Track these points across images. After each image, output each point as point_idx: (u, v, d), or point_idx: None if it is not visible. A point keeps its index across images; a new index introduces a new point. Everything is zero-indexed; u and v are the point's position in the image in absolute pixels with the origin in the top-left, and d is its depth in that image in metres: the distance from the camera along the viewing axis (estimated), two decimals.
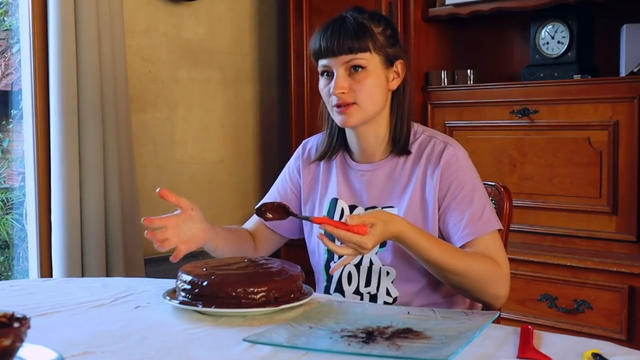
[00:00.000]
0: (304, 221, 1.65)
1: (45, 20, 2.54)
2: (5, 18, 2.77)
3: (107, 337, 1.15)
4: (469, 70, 2.77)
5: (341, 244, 1.31)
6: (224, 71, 3.26)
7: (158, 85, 3.01)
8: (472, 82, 2.76)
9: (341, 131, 1.59)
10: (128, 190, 2.70)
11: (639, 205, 2.28)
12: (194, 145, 3.15)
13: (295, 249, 1.88)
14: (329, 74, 1.50)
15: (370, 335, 1.13)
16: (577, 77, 2.47)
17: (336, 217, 1.56)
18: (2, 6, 2.73)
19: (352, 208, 1.56)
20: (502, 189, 1.63)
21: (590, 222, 2.39)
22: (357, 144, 1.57)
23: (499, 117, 2.57)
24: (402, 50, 1.54)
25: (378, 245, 1.48)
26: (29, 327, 0.94)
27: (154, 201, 2.98)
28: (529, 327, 1.14)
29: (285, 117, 3.39)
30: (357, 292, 1.53)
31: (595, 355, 1.00)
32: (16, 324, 0.95)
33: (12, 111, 2.76)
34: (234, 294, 1.25)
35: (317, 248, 1.61)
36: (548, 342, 1.10)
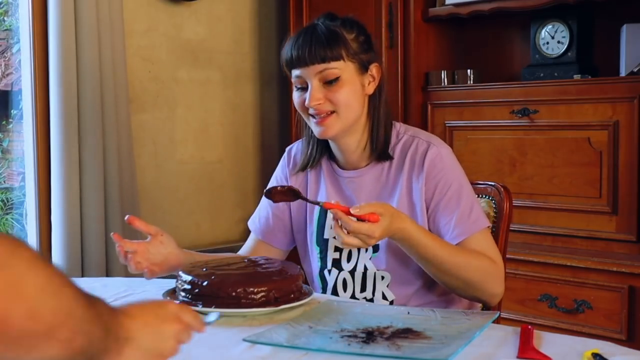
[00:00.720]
0: (295, 229, 1.63)
1: (45, 20, 2.54)
2: (5, 18, 2.77)
3: None
4: (469, 70, 2.77)
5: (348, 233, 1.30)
6: (223, 71, 3.26)
7: (158, 85, 3.00)
8: (472, 82, 2.76)
9: (321, 139, 1.55)
10: (128, 190, 2.70)
11: (639, 205, 2.28)
12: (194, 145, 3.15)
13: (295, 250, 1.87)
14: (304, 85, 1.47)
15: (370, 335, 1.13)
16: (577, 77, 2.47)
17: (327, 225, 1.55)
18: (2, 6, 2.73)
19: None
20: (502, 189, 1.63)
21: (590, 222, 2.39)
22: (339, 151, 1.55)
23: (499, 117, 2.57)
24: (375, 54, 1.52)
25: (372, 250, 1.48)
26: None
27: (154, 201, 2.99)
28: (529, 327, 1.14)
29: (285, 117, 3.39)
30: (352, 297, 1.52)
31: (595, 355, 1.00)
32: None
33: (12, 111, 2.76)
34: (234, 294, 1.25)
35: (310, 255, 1.59)
36: (548, 342, 1.10)
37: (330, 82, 1.44)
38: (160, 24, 3.00)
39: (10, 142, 2.79)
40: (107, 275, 2.60)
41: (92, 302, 0.72)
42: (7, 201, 2.77)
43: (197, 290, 1.28)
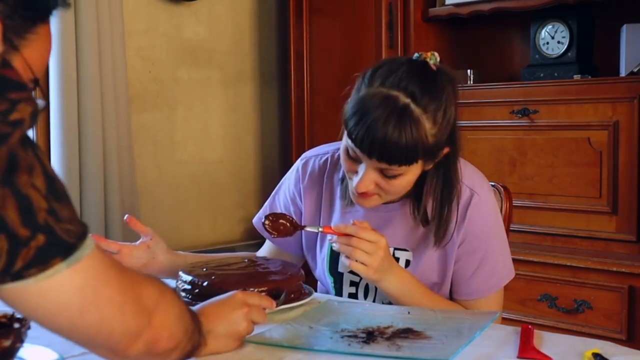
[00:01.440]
0: (304, 248, 1.56)
1: None
2: None
3: None
4: (469, 70, 2.77)
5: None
6: (224, 71, 3.26)
7: (158, 85, 3.00)
8: (472, 82, 2.76)
9: None
10: (128, 190, 2.70)
11: (639, 205, 2.28)
12: (194, 145, 3.15)
13: None
14: (357, 159, 1.28)
15: (370, 335, 1.13)
16: (577, 77, 2.47)
17: (341, 258, 1.43)
18: None
19: None
20: (502, 189, 1.63)
21: (590, 222, 2.39)
22: None
23: (499, 117, 2.57)
24: (453, 133, 1.29)
25: None
26: (29, 328, 0.94)
27: (154, 201, 2.99)
28: (530, 327, 1.14)
29: (285, 117, 3.38)
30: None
31: (595, 355, 1.00)
32: (16, 325, 0.95)
33: None
34: None
35: (323, 278, 1.53)
36: (548, 342, 1.10)
37: (389, 177, 1.27)
38: (160, 24, 3.00)
39: None
40: None
41: (192, 314, 0.95)
42: None
43: (197, 291, 1.28)
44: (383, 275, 1.29)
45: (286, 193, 1.56)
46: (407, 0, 2.77)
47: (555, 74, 2.54)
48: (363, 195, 1.31)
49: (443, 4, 2.75)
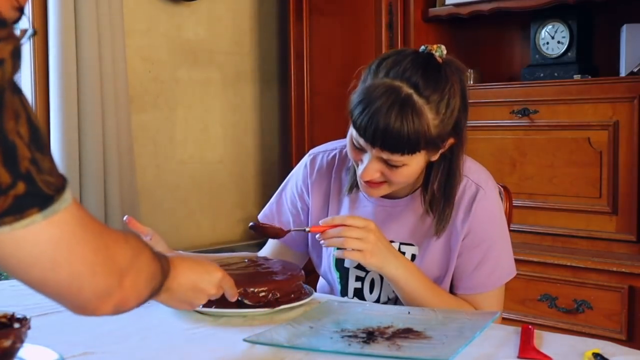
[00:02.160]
0: (310, 245, 1.56)
1: (45, 20, 2.54)
2: None
3: (107, 337, 1.14)
4: (469, 70, 2.77)
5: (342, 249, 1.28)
6: (224, 71, 3.26)
7: (158, 85, 3.00)
8: (472, 82, 2.76)
9: None
10: (128, 190, 2.70)
11: (639, 205, 2.28)
12: (194, 145, 3.15)
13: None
14: (362, 148, 1.30)
15: (370, 335, 1.13)
16: (577, 77, 2.47)
17: None
18: None
19: None
20: (502, 189, 1.62)
21: (590, 222, 2.39)
22: None
23: (499, 117, 2.57)
24: (459, 124, 1.30)
25: None
26: (29, 328, 0.94)
27: (154, 201, 2.99)
28: (530, 327, 1.14)
29: (285, 117, 3.38)
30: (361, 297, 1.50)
31: (596, 355, 1.00)
32: (16, 325, 0.95)
33: None
34: None
35: (328, 275, 1.52)
36: (549, 342, 1.10)
37: (394, 167, 1.28)
38: (160, 24, 3.00)
39: None
40: None
41: (164, 268, 0.95)
42: None
43: None
44: (382, 259, 1.30)
45: (294, 189, 1.56)
46: (407, 0, 2.77)
47: (555, 74, 2.54)
48: (370, 184, 1.32)
49: (443, 4, 2.75)
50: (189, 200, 3.13)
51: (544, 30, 2.61)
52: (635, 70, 2.33)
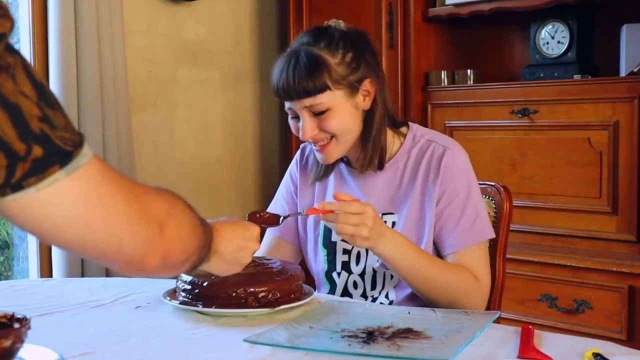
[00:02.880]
0: (300, 230, 1.61)
1: (45, 20, 2.54)
2: None
3: (107, 337, 1.15)
4: (469, 70, 2.77)
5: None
6: (224, 71, 3.26)
7: (158, 85, 3.01)
8: (472, 82, 2.76)
9: None
10: None
11: (639, 205, 2.28)
12: (194, 145, 3.15)
13: None
14: (296, 115, 1.44)
15: (370, 335, 1.13)
16: (577, 77, 2.47)
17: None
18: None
19: None
20: (502, 189, 1.63)
21: (590, 222, 2.39)
22: (349, 160, 1.55)
23: (499, 117, 2.57)
24: (368, 67, 1.44)
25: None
26: (29, 328, 0.94)
27: None
28: (530, 327, 1.14)
29: (285, 117, 3.37)
30: (363, 296, 1.51)
31: (596, 355, 1.00)
32: (16, 325, 0.96)
33: None
34: (234, 294, 1.25)
35: (317, 256, 1.57)
36: (549, 342, 1.10)
37: (320, 114, 1.40)
38: (160, 24, 3.00)
39: None
40: (107, 276, 2.59)
41: (205, 228, 0.98)
42: None
43: (197, 291, 1.28)
44: (374, 242, 1.33)
45: (288, 180, 1.65)
46: (407, 0, 2.77)
47: (555, 74, 2.54)
48: (321, 149, 1.43)
49: (443, 4, 2.75)
50: (188, 200, 3.11)
51: (544, 30, 2.61)
52: (635, 70, 2.33)
